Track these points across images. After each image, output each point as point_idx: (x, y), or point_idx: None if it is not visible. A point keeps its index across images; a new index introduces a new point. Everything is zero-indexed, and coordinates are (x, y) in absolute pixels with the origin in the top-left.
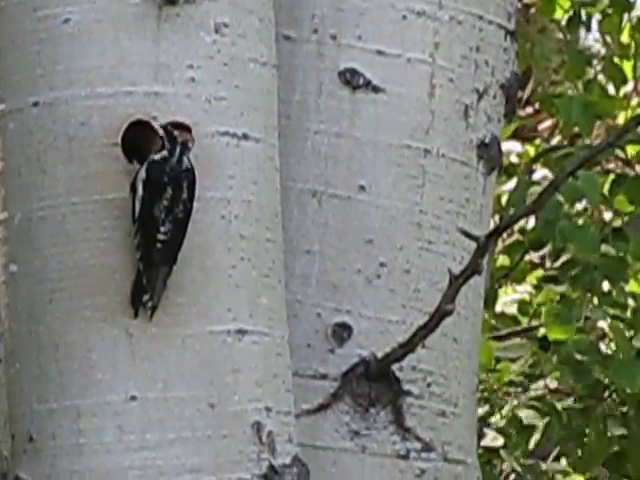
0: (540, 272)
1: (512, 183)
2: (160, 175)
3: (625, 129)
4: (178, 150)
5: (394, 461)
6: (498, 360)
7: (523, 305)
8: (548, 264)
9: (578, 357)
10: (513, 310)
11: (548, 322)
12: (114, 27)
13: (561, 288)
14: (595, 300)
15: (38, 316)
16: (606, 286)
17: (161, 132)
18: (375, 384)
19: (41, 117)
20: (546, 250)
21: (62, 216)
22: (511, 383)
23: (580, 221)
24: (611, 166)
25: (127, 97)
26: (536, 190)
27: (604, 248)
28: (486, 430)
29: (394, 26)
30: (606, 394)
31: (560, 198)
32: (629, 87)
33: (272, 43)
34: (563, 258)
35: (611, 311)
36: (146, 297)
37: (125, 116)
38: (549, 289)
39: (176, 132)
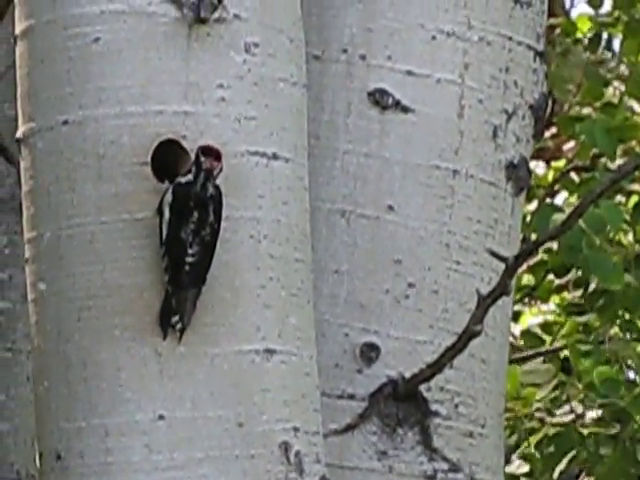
0: (565, 294)
1: (533, 205)
2: (186, 199)
3: None
4: (202, 176)
5: None
6: (522, 385)
7: (547, 326)
8: (573, 292)
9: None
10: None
11: (574, 355)
12: (144, 46)
13: (584, 318)
14: (618, 330)
15: (66, 335)
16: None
17: (191, 155)
18: (403, 404)
19: (71, 136)
20: (570, 276)
21: (91, 235)
22: (537, 409)
23: (605, 250)
24: (635, 187)
25: (157, 116)
26: (559, 215)
27: (626, 278)
28: (513, 457)
29: (423, 46)
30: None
31: (583, 225)
32: None
33: (302, 63)
34: (589, 288)
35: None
36: (175, 319)
37: (155, 135)
38: (572, 320)
39: (202, 158)
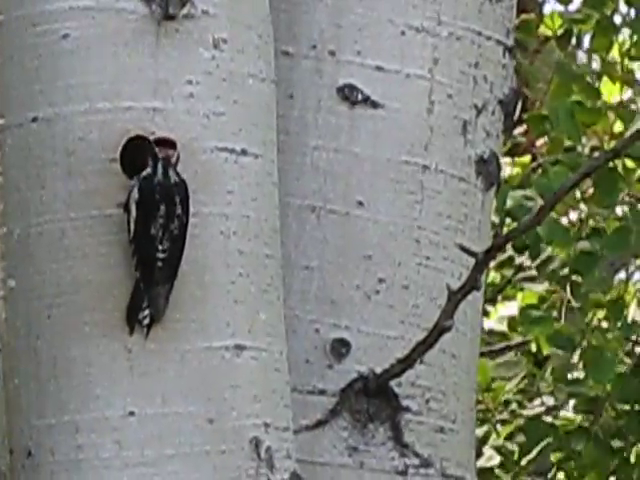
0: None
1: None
2: (152, 194)
3: (624, 143)
4: (160, 166)
5: (392, 477)
6: (493, 379)
7: (513, 322)
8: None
9: (557, 352)
10: (503, 327)
11: (525, 322)
12: (113, 42)
13: (540, 287)
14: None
15: (36, 331)
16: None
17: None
18: (373, 400)
19: (40, 132)
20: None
21: (61, 231)
22: (507, 402)
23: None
24: None
25: (126, 113)
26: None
27: (581, 245)
28: (484, 449)
29: (393, 42)
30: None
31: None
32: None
33: (271, 59)
34: (541, 257)
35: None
36: (142, 315)
37: (124, 132)
38: (528, 290)
39: (157, 148)
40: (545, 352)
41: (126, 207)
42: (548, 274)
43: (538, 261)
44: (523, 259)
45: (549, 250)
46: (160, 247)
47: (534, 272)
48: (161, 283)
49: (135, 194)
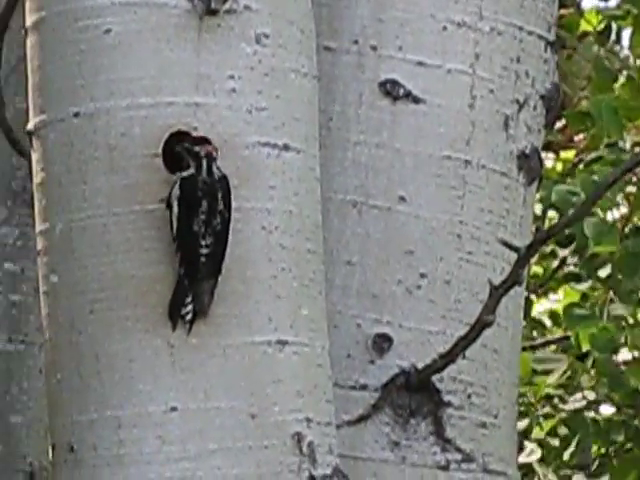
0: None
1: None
2: (193, 190)
3: None
4: (205, 163)
5: (434, 472)
6: (534, 372)
7: (555, 315)
8: (570, 259)
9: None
10: (545, 320)
11: (569, 320)
12: (155, 38)
13: (583, 286)
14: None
15: (79, 327)
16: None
17: (183, 153)
18: (415, 395)
19: (82, 127)
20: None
21: (103, 226)
22: (548, 396)
23: (599, 215)
24: None
25: (168, 108)
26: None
27: (627, 244)
28: (526, 443)
29: (434, 37)
30: None
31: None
32: None
33: (313, 54)
34: (586, 255)
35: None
36: (185, 310)
37: (166, 127)
38: (571, 288)
39: (197, 147)
40: (585, 349)
41: (168, 204)
42: (592, 273)
43: (580, 259)
44: (566, 253)
45: (593, 248)
46: (203, 243)
47: (575, 268)
48: (205, 279)
49: (176, 191)
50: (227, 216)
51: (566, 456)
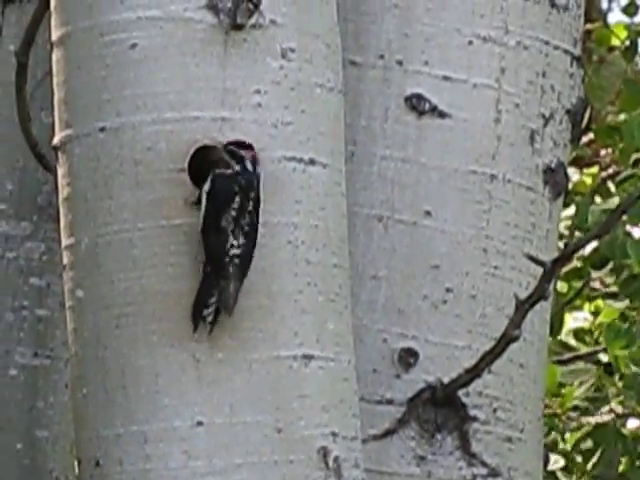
0: (599, 302)
1: (570, 210)
2: (227, 186)
3: None
4: (249, 163)
5: None
6: (562, 385)
7: (581, 333)
8: (609, 280)
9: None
10: (570, 340)
11: (608, 339)
12: (181, 52)
13: (621, 304)
14: None
15: (104, 341)
16: None
17: (224, 153)
18: (441, 409)
19: (108, 142)
20: (607, 270)
21: (129, 241)
22: (575, 408)
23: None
24: None
25: (194, 122)
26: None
27: None
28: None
29: (460, 51)
30: None
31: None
32: None
33: (339, 68)
34: (624, 274)
35: None
36: (206, 312)
37: (192, 141)
38: (609, 306)
39: (242, 151)
40: (624, 370)
41: (198, 200)
42: (632, 292)
43: (617, 277)
44: (599, 273)
45: (635, 268)
46: (234, 242)
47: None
48: (232, 279)
49: (207, 186)
50: (256, 220)
51: (589, 466)
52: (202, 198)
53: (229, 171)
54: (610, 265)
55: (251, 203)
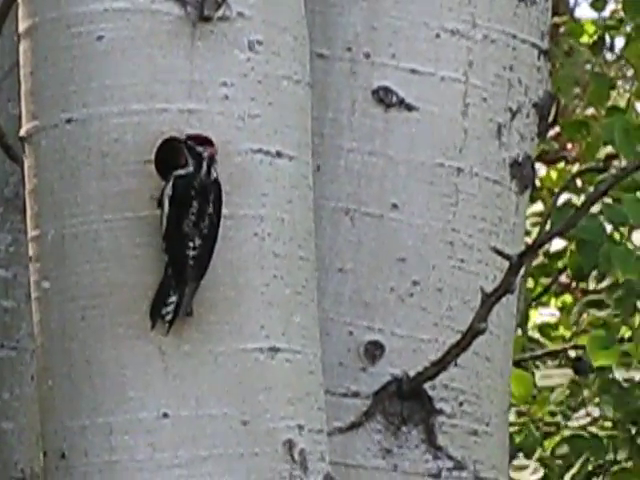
0: (566, 297)
1: (537, 206)
2: (187, 190)
3: None
4: (205, 164)
5: None
6: (538, 389)
7: (546, 329)
8: (592, 287)
9: (621, 381)
10: (536, 334)
11: (592, 348)
12: (148, 44)
13: (603, 313)
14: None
15: (70, 333)
16: None
17: (184, 149)
18: (407, 403)
19: (74, 134)
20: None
21: (95, 233)
22: (551, 413)
23: (626, 244)
24: None
25: (161, 114)
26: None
27: None
28: (527, 461)
29: (427, 45)
30: None
31: (603, 222)
32: None
33: (306, 61)
34: (606, 282)
35: None
36: (165, 310)
37: (158, 133)
38: (592, 315)
39: (200, 148)
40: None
41: (159, 203)
42: (616, 301)
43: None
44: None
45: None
46: (191, 245)
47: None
48: (190, 281)
49: (169, 190)
50: (216, 221)
51: (568, 477)
52: (164, 202)
53: (188, 172)
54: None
55: (211, 205)
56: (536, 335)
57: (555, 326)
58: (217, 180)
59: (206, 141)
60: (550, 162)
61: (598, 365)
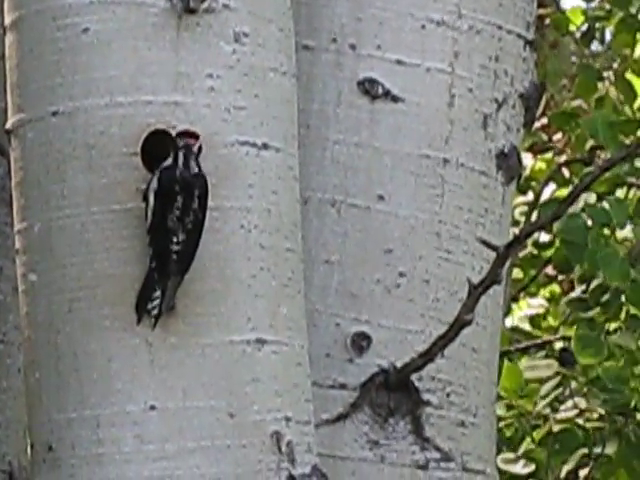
0: (554, 288)
1: (526, 197)
2: (171, 184)
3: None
4: (181, 155)
5: (413, 471)
6: (526, 381)
7: (537, 319)
8: (577, 287)
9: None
10: (526, 326)
11: (578, 348)
12: (133, 36)
13: (589, 314)
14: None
15: (57, 325)
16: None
17: (170, 145)
18: (394, 394)
19: (60, 126)
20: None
21: (81, 225)
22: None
23: (611, 246)
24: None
25: (146, 106)
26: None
27: (632, 274)
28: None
29: (413, 36)
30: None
31: (587, 221)
32: None
33: (292, 53)
34: (593, 284)
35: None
36: (151, 305)
37: (144, 125)
38: (578, 315)
39: (180, 141)
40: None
41: (145, 197)
42: (601, 304)
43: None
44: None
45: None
46: (174, 239)
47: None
48: (173, 276)
49: (154, 184)
50: (200, 216)
51: (563, 473)
52: (149, 196)
53: (173, 168)
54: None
55: (196, 200)
56: (524, 326)
57: (544, 316)
58: (203, 175)
59: (189, 134)
60: (538, 152)
61: (584, 364)
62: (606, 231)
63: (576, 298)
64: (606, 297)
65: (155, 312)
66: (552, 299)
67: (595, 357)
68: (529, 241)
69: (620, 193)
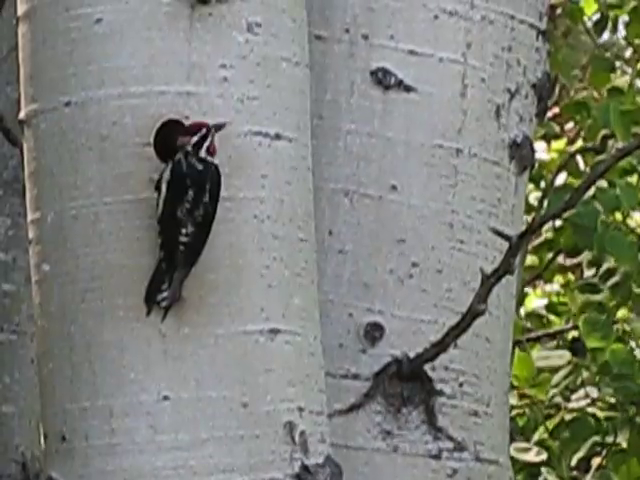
0: (569, 275)
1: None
2: (183, 176)
3: None
4: (195, 147)
5: (426, 461)
6: (539, 371)
7: (552, 306)
8: (586, 272)
9: (615, 370)
10: (543, 313)
11: (586, 331)
12: (146, 27)
13: (598, 297)
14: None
15: (70, 316)
16: None
17: (184, 137)
18: (407, 384)
19: (73, 117)
20: (582, 257)
21: (95, 216)
22: (552, 395)
23: (620, 229)
24: None
25: (159, 97)
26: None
27: None
28: (530, 445)
29: (426, 26)
30: None
31: (598, 206)
32: None
33: (305, 43)
34: (603, 267)
35: None
36: (161, 296)
37: (157, 116)
38: (587, 298)
39: (201, 134)
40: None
41: (157, 186)
42: (609, 287)
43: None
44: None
45: (614, 263)
46: (183, 231)
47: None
48: (180, 267)
49: (167, 174)
50: (211, 209)
51: (574, 461)
52: (162, 186)
53: (186, 159)
54: (585, 253)
55: (207, 194)
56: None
57: (559, 304)
58: (216, 166)
59: (198, 127)
60: (550, 139)
61: (592, 347)
62: (618, 216)
63: (585, 282)
64: (615, 279)
65: (164, 304)
66: (567, 285)
67: (603, 340)
68: (545, 227)
69: (631, 180)
